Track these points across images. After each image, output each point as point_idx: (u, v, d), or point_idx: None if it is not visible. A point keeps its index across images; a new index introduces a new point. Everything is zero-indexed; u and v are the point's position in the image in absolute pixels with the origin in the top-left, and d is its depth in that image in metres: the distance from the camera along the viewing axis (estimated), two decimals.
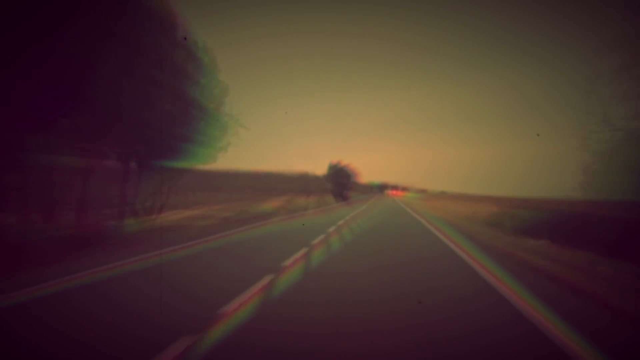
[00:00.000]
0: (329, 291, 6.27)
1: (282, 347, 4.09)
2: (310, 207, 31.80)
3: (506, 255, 9.98)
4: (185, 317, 4.86)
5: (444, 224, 18.98)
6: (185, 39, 14.02)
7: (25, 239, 10.26)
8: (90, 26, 10.20)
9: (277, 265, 7.94)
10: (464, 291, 6.48)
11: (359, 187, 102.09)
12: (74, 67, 10.05)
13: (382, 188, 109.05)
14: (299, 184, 55.50)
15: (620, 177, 12.91)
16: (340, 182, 53.20)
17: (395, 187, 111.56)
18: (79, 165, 12.26)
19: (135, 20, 11.54)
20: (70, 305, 5.50)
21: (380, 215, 25.78)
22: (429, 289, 6.62)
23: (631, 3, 12.79)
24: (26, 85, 9.55)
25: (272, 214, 24.20)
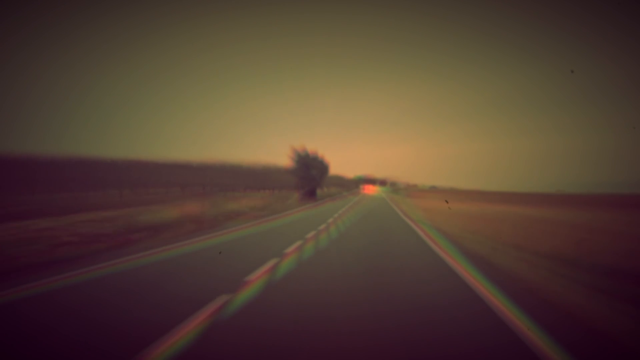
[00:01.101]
0: None
1: None
2: (246, 213, 20.71)
3: None
4: None
5: None
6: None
7: None
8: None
9: None
10: None
11: (344, 183, 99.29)
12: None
13: (371, 182, 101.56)
14: (257, 178, 46.27)
15: None
16: (308, 176, 40.73)
17: (371, 182, 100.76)
18: None
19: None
20: None
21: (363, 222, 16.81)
22: None
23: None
24: None
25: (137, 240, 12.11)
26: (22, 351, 4.01)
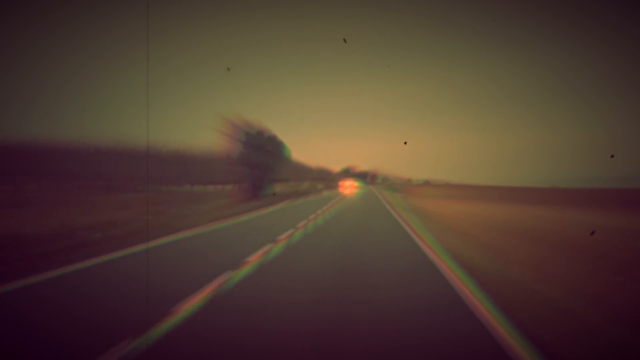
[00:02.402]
0: None
1: None
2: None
3: None
4: None
5: None
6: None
7: None
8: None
9: None
10: None
11: (331, 177, 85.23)
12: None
13: (361, 177, 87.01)
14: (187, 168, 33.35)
15: None
16: (260, 163, 28.19)
17: (355, 176, 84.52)
18: None
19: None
20: None
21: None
22: None
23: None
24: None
25: None
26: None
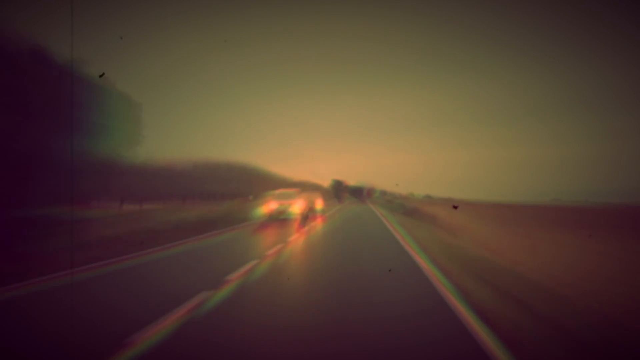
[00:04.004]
0: None
1: None
2: None
3: None
4: None
5: None
6: None
7: None
8: None
9: None
10: None
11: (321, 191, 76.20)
12: None
13: (355, 192, 73.98)
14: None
15: None
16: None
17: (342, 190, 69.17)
18: None
19: None
20: None
21: None
22: None
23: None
24: None
25: None
26: None
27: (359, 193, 75.07)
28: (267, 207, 23.68)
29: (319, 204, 30.72)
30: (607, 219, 32.25)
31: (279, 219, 22.97)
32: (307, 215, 25.20)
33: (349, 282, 7.93)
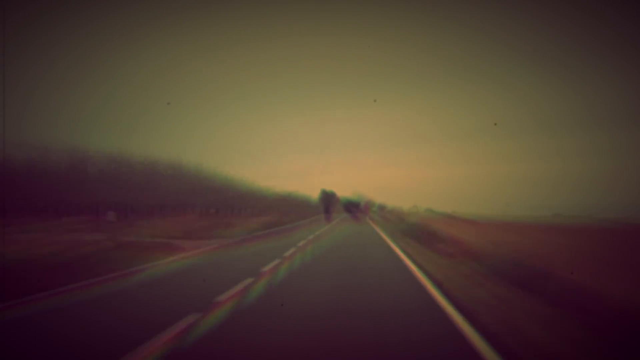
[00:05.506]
0: None
1: None
2: None
3: None
4: None
5: None
6: None
7: None
8: None
9: None
10: None
11: (304, 205, 65.22)
12: None
13: (349, 206, 60.08)
14: None
15: None
16: None
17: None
18: None
19: None
20: None
21: None
22: None
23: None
24: None
25: None
26: None
27: (354, 208, 60.27)
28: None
29: None
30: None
31: None
32: None
33: None
